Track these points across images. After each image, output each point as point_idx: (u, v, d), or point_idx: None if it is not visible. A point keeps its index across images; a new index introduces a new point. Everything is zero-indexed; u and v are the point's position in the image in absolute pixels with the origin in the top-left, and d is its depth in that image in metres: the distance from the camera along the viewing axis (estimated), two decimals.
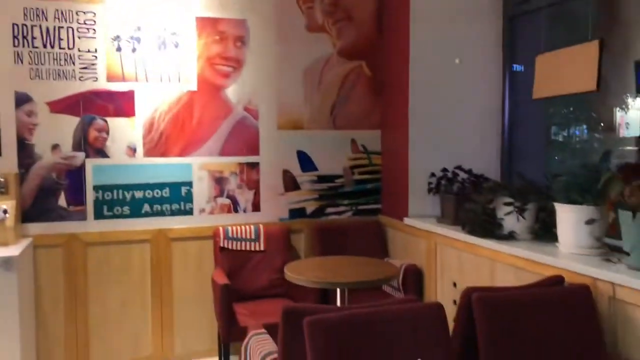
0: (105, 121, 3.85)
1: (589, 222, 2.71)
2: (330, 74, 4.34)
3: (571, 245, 2.80)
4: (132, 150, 3.91)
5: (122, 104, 3.88)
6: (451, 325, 2.33)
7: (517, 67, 4.10)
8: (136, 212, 3.95)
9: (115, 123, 3.87)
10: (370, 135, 4.47)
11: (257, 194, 4.22)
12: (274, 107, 4.23)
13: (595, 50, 2.89)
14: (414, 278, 3.85)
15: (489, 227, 3.26)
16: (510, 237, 3.19)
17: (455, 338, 2.39)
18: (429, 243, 3.81)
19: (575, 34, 3.34)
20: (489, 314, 2.24)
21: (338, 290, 3.24)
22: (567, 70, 3.10)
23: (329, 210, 4.40)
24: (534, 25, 3.71)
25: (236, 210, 4.18)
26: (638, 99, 3.06)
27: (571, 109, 3.73)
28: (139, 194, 3.94)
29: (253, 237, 4.05)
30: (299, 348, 2.12)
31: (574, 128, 3.74)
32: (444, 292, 3.67)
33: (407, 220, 4.04)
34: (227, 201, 4.16)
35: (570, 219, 2.80)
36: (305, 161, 4.31)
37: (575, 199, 2.86)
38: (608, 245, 2.75)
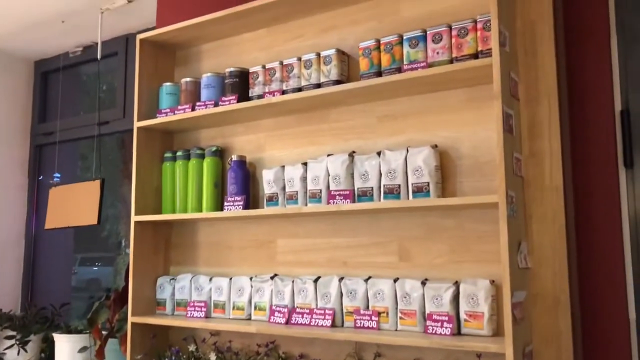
0: None
1: (82, 350, 2.85)
2: None
3: None
4: None
5: None
6: None
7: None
8: None
9: None
10: None
11: None
12: None
13: (97, 188, 3.22)
14: None
15: None
16: None
17: None
18: None
19: (88, 170, 3.67)
20: None
21: None
22: (75, 203, 3.33)
23: None
24: (60, 156, 3.90)
25: None
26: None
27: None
28: None
29: None
30: None
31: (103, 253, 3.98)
32: None
33: None
34: None
35: (65, 349, 2.90)
36: None
37: (73, 328, 3.00)
38: None
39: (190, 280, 2.31)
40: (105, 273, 3.93)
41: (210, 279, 2.27)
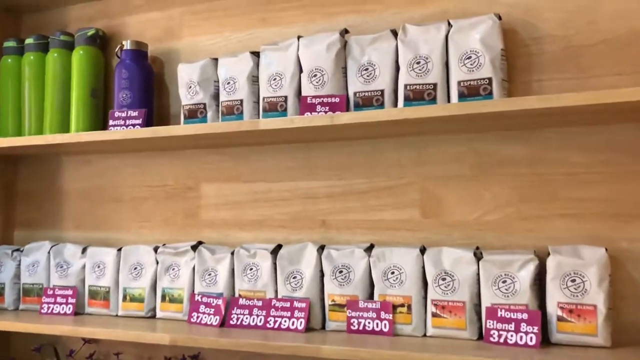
0: None
1: None
2: None
3: None
4: None
5: None
6: None
7: None
8: None
9: None
10: None
11: None
12: None
13: None
14: None
15: None
16: None
17: None
18: None
19: None
20: None
21: None
22: None
23: None
24: None
25: None
26: None
27: None
28: None
29: None
30: None
31: None
32: None
33: None
34: None
35: None
36: None
37: None
38: None
39: (49, 252, 1.37)
40: None
41: (84, 250, 1.35)
